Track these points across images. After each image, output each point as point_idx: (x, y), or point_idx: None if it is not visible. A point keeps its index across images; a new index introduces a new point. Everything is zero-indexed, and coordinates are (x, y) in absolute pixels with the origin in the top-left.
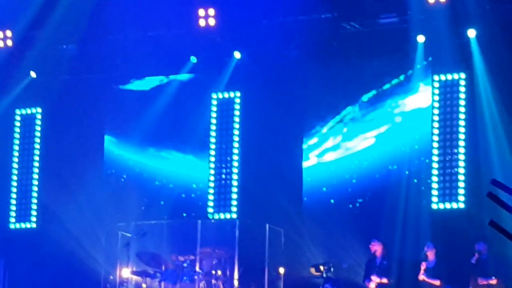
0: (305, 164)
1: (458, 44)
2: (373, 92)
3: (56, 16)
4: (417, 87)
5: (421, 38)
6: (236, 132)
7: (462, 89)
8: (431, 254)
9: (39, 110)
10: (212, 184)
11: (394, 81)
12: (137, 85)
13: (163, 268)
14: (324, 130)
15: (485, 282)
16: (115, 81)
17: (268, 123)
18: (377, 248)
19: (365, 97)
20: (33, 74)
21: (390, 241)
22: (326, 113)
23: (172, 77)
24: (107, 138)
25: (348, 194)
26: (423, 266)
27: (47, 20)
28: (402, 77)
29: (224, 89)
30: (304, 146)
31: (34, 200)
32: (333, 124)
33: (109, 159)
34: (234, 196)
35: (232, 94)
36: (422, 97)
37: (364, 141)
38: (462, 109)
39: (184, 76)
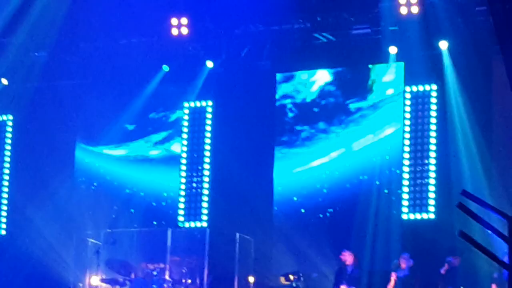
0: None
1: (430, 55)
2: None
3: (28, 23)
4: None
5: (393, 50)
6: (208, 141)
7: (434, 100)
8: (404, 264)
9: (10, 117)
10: (182, 193)
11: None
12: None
13: (133, 276)
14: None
15: None
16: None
17: (240, 133)
18: (347, 258)
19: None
20: (4, 81)
21: (360, 251)
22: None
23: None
24: (78, 146)
25: (318, 204)
26: (393, 276)
27: (19, 27)
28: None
29: (196, 98)
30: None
31: (4, 207)
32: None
33: (80, 167)
34: (205, 205)
35: (204, 103)
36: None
37: (336, 151)
38: (433, 120)
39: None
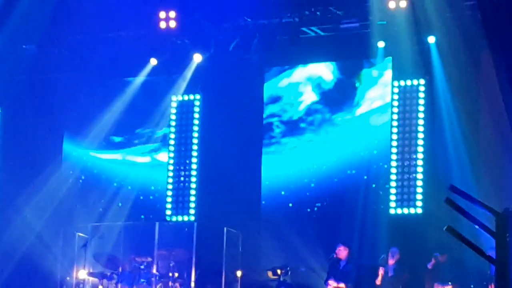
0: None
1: (418, 50)
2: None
3: (16, 15)
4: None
5: (381, 44)
6: (195, 134)
7: (421, 95)
8: (392, 259)
9: None
10: (170, 187)
11: None
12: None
13: (120, 270)
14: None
15: None
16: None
17: (228, 126)
18: (341, 252)
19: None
20: None
21: (348, 246)
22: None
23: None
24: (66, 139)
25: (306, 198)
26: (381, 271)
27: (7, 20)
28: None
29: (184, 91)
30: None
31: None
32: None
33: (68, 160)
34: (192, 198)
35: (192, 97)
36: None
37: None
38: (421, 115)
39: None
